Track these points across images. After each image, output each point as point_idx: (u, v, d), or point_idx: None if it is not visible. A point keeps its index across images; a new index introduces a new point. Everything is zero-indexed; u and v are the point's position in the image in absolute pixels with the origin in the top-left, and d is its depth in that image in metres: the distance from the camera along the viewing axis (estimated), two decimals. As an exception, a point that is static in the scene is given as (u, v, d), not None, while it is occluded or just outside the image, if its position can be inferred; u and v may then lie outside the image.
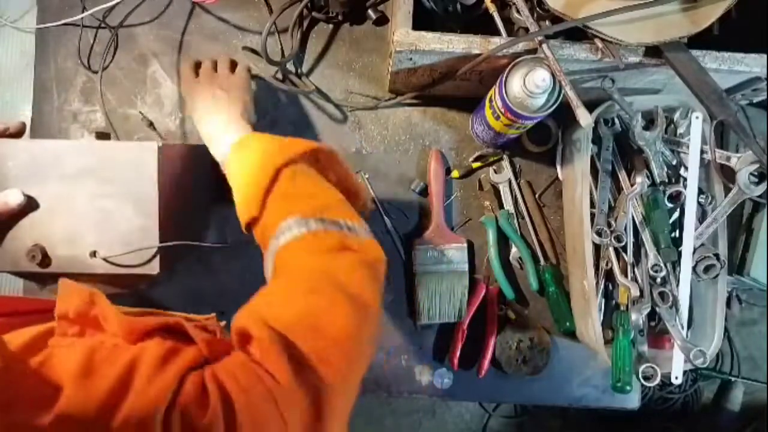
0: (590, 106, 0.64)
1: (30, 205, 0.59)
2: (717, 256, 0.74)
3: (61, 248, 0.59)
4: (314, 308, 0.46)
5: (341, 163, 0.63)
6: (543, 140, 0.84)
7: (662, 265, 0.74)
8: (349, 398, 0.46)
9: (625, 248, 0.76)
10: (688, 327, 0.78)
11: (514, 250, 0.84)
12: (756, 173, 0.70)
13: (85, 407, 0.34)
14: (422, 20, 0.65)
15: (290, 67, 0.83)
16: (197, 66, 0.72)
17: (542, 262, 0.84)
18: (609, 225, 0.76)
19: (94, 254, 0.59)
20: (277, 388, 0.39)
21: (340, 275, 0.48)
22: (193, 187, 0.75)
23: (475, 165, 0.84)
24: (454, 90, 0.79)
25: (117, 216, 0.60)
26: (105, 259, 0.59)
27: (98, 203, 0.59)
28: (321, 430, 0.42)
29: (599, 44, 0.63)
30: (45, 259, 0.59)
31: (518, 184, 0.84)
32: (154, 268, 0.61)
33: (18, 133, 0.63)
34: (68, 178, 0.59)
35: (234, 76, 0.70)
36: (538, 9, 0.67)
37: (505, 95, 0.65)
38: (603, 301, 0.78)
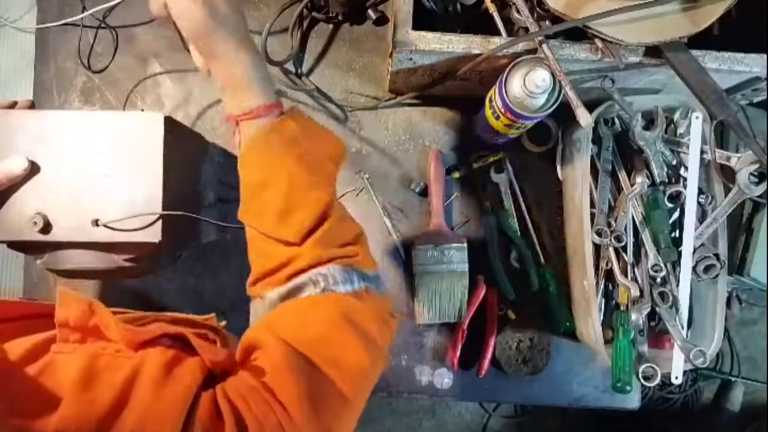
0: (590, 106, 0.64)
1: (34, 172, 0.58)
2: (717, 256, 0.74)
3: (64, 217, 0.59)
4: (333, 337, 0.45)
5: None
6: (543, 140, 0.84)
7: (662, 265, 0.74)
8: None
9: (625, 248, 0.76)
10: (688, 327, 0.78)
11: (514, 250, 0.84)
12: (756, 173, 0.70)
13: (87, 417, 0.34)
14: (422, 20, 0.65)
15: (290, 67, 0.83)
16: None
17: (542, 262, 0.84)
18: (609, 225, 0.76)
19: (96, 223, 0.59)
20: (288, 424, 0.39)
21: (355, 317, 0.47)
22: (193, 174, 0.74)
23: (475, 165, 0.84)
24: (454, 90, 0.79)
25: (122, 185, 0.59)
26: (106, 225, 0.58)
27: (103, 172, 0.59)
28: None
29: (599, 44, 0.63)
30: (47, 227, 0.58)
31: (518, 184, 0.84)
32: (156, 234, 0.59)
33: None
34: (74, 147, 0.59)
35: None
36: (538, 9, 0.67)
37: (505, 95, 0.65)
38: (603, 301, 0.78)
